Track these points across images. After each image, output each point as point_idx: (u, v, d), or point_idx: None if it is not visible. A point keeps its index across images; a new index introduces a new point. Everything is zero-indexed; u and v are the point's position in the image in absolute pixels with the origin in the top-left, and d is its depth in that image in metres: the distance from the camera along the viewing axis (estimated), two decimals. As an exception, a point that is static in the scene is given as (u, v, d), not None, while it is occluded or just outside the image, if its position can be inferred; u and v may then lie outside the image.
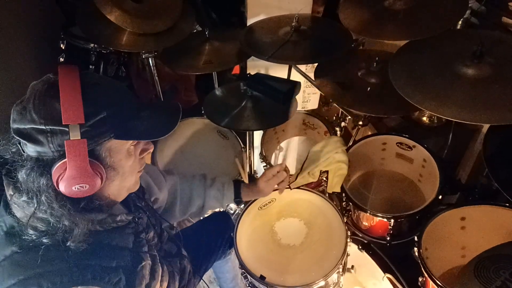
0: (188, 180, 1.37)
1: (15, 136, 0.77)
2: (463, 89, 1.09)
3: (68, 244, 0.80)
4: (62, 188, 0.77)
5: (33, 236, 0.80)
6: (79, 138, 0.75)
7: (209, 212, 1.75)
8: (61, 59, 1.83)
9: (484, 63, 1.11)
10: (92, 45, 1.82)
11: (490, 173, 1.18)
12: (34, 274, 0.78)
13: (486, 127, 1.46)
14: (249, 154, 1.79)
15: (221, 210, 1.78)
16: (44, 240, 0.80)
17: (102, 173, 0.81)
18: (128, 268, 0.88)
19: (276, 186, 1.40)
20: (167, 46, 1.67)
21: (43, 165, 0.77)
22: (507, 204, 1.25)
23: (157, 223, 1.14)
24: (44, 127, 0.74)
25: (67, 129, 0.74)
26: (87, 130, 0.76)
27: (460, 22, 1.53)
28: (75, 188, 0.78)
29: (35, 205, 0.78)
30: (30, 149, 0.76)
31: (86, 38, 1.79)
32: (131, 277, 0.89)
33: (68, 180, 0.76)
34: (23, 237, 0.80)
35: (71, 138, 0.74)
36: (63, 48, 1.83)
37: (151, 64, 1.79)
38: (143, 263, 0.93)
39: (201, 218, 1.76)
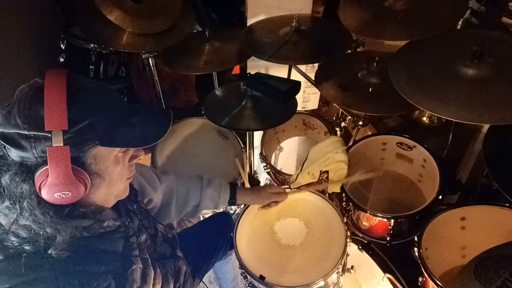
0: (185, 180, 1.36)
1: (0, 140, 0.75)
2: (463, 89, 1.09)
3: (49, 251, 0.78)
4: (44, 194, 0.76)
5: (14, 243, 0.78)
6: (62, 144, 0.73)
7: (210, 213, 1.75)
8: (61, 59, 1.83)
9: (484, 63, 1.11)
10: (92, 45, 1.82)
11: (490, 173, 1.18)
12: (19, 282, 0.77)
13: (486, 127, 1.45)
14: (249, 154, 1.79)
15: (221, 210, 1.78)
16: (26, 248, 0.78)
17: (86, 180, 0.79)
18: (117, 272, 0.87)
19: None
20: (167, 46, 1.67)
21: (26, 171, 0.75)
22: (507, 204, 1.25)
23: (151, 225, 1.13)
24: (27, 133, 0.72)
25: (49, 135, 0.72)
26: (71, 137, 0.74)
27: (460, 22, 1.53)
28: (57, 195, 0.76)
29: (18, 211, 0.77)
30: (14, 154, 0.75)
31: (86, 38, 1.79)
32: (121, 281, 0.88)
33: (50, 187, 0.75)
34: (6, 245, 0.78)
35: (53, 145, 0.73)
36: (63, 48, 1.83)
37: (151, 64, 1.79)
38: (133, 267, 0.92)
39: (201, 218, 1.77)
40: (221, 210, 1.79)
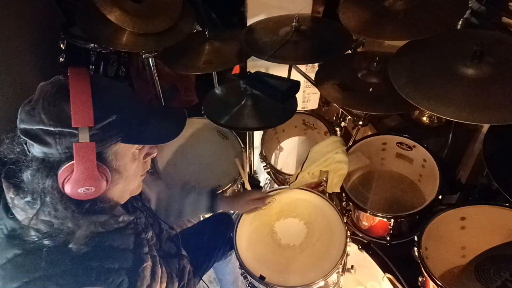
0: (169, 186, 1.41)
1: (22, 136, 0.77)
2: (463, 89, 1.09)
3: (70, 246, 0.80)
4: (67, 190, 0.78)
5: (34, 237, 0.79)
6: (88, 141, 0.75)
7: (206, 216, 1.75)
8: (61, 59, 1.83)
9: (484, 63, 1.11)
10: (92, 45, 1.82)
11: (490, 173, 1.17)
12: (38, 276, 0.78)
13: (486, 127, 1.46)
14: (249, 154, 1.79)
15: (221, 210, 1.78)
16: (46, 242, 0.79)
17: (108, 176, 0.82)
18: (130, 269, 0.89)
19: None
20: (167, 46, 1.67)
21: (49, 167, 0.77)
22: (507, 204, 1.25)
23: (155, 222, 1.15)
24: (53, 129, 0.74)
25: (75, 132, 0.74)
26: (96, 133, 0.76)
27: (460, 22, 1.53)
28: (81, 190, 0.78)
29: (39, 207, 0.78)
30: (37, 150, 0.76)
31: (86, 38, 1.79)
32: (133, 278, 0.89)
33: (74, 182, 0.77)
34: (25, 239, 0.79)
35: (80, 141, 0.75)
36: (63, 48, 1.83)
37: (151, 64, 1.79)
38: (144, 265, 0.94)
39: (201, 218, 1.76)
40: (221, 210, 1.79)
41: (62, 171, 0.76)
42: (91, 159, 0.76)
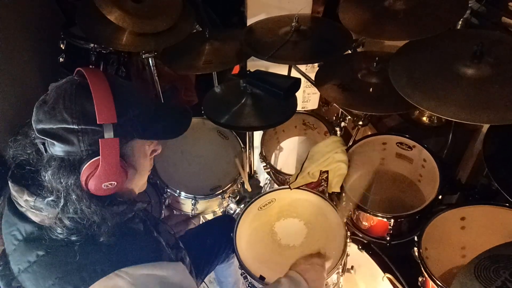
0: None
1: (40, 136, 0.77)
2: (463, 89, 1.09)
3: (101, 239, 0.81)
4: (91, 186, 0.79)
5: (61, 235, 0.80)
6: (113, 136, 0.77)
7: (211, 215, 1.75)
8: (61, 59, 1.83)
9: (484, 63, 1.11)
10: (92, 45, 1.81)
11: (490, 173, 1.17)
12: (72, 269, 0.79)
13: (486, 127, 1.46)
14: (249, 154, 1.79)
15: (221, 210, 1.78)
16: (73, 238, 0.81)
17: (128, 170, 0.84)
18: (152, 249, 0.92)
19: None
20: (167, 46, 1.67)
21: (70, 165, 0.78)
22: (507, 204, 1.25)
23: (149, 214, 1.17)
24: (76, 127, 0.76)
25: (99, 129, 0.76)
26: (117, 129, 0.78)
27: (460, 22, 1.53)
28: (104, 185, 0.80)
29: (62, 205, 0.79)
30: (57, 149, 0.77)
31: (86, 38, 1.79)
32: (157, 255, 0.91)
33: (99, 178, 0.78)
34: (52, 238, 0.80)
35: (105, 137, 0.77)
36: (63, 48, 1.83)
37: (151, 64, 1.79)
38: (162, 243, 0.97)
39: (201, 220, 1.77)
40: (221, 210, 1.79)
41: (86, 168, 0.77)
42: (115, 154, 0.79)
